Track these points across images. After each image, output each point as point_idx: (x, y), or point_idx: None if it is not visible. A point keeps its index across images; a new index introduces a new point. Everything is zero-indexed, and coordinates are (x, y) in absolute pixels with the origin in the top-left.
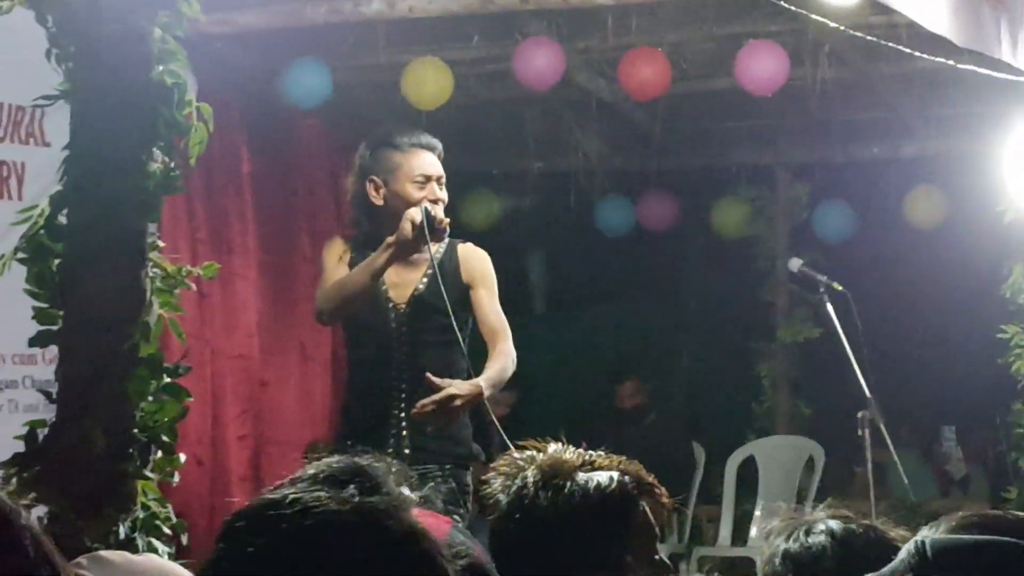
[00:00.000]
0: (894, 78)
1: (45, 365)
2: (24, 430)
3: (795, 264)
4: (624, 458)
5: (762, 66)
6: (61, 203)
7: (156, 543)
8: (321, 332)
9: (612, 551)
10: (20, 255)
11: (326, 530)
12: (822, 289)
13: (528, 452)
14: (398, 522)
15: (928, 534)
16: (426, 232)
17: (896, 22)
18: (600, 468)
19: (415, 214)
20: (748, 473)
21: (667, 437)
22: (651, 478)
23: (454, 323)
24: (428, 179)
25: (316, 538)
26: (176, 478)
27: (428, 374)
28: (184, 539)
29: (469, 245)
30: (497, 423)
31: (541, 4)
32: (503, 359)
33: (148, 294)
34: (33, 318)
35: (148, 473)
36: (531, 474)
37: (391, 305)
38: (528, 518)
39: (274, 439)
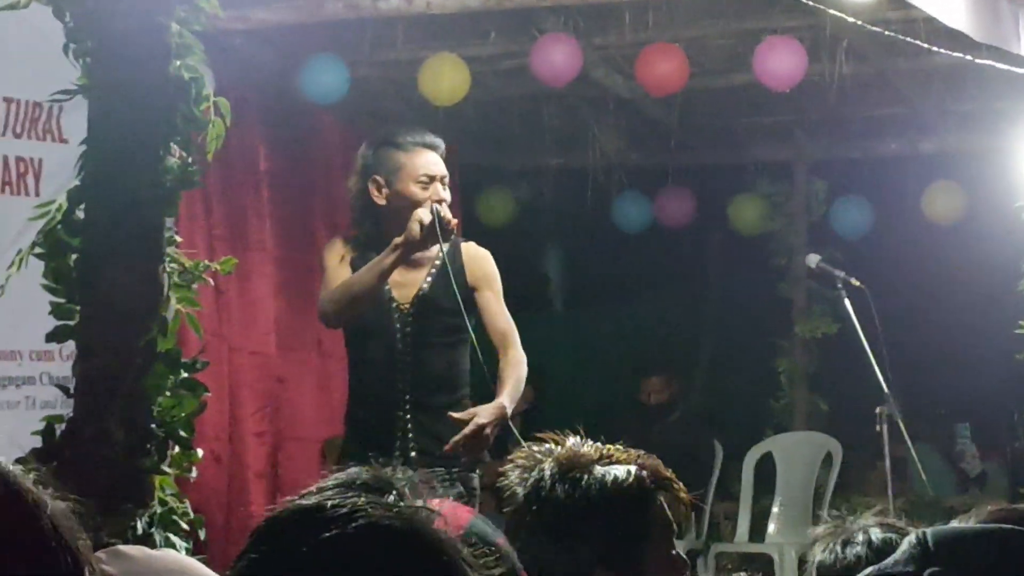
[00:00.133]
0: (912, 74)
1: (62, 361)
2: (42, 426)
3: (813, 260)
4: (642, 452)
5: (780, 62)
6: (78, 198)
7: (173, 538)
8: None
9: (629, 545)
10: (37, 250)
11: (372, 535)
12: (840, 285)
13: (546, 445)
14: (435, 530)
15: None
16: (438, 232)
17: (914, 17)
18: (618, 462)
19: (423, 214)
20: (766, 469)
21: (691, 434)
22: (668, 472)
23: (467, 322)
24: (432, 179)
25: (362, 543)
26: (194, 473)
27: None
28: (202, 534)
29: (472, 244)
30: (511, 424)
31: (558, 0)
32: (517, 369)
33: (165, 289)
34: (50, 313)
35: (165, 468)
36: (548, 467)
37: (395, 306)
38: (545, 511)
39: (292, 435)
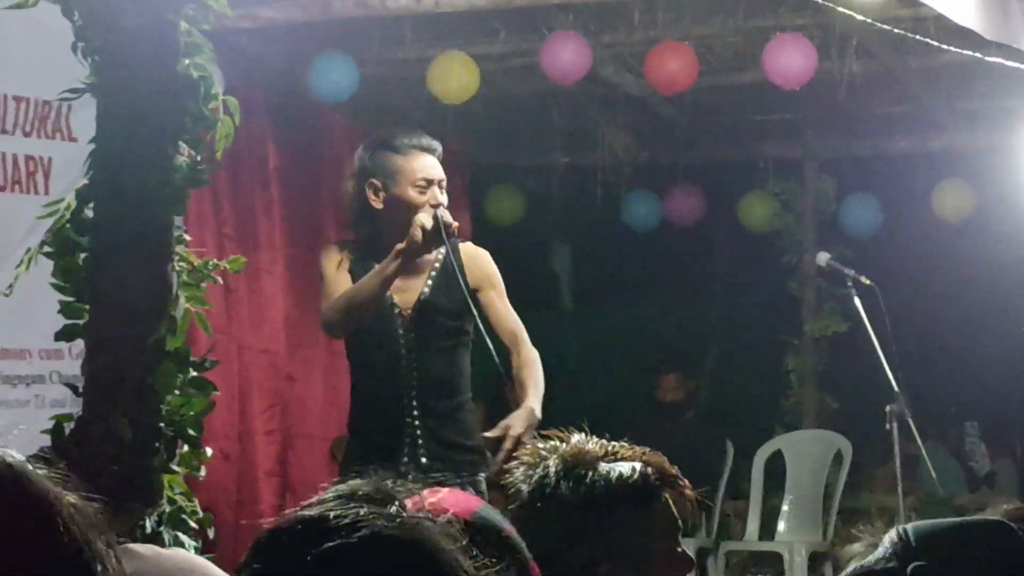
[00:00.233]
0: (922, 71)
1: (72, 360)
2: (51, 424)
3: (823, 258)
4: (647, 449)
5: (789, 60)
6: (87, 197)
7: (182, 537)
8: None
9: (633, 542)
10: (46, 249)
11: (375, 546)
12: (850, 283)
13: (551, 442)
14: (437, 541)
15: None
16: (443, 236)
17: (923, 15)
18: (623, 459)
19: (425, 220)
20: (776, 468)
21: (704, 432)
22: (674, 469)
23: (478, 323)
24: (430, 183)
25: (365, 554)
26: (203, 472)
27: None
28: (210, 533)
29: (469, 244)
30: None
31: None
32: (535, 368)
33: (174, 288)
34: (59, 312)
35: (174, 467)
36: (553, 464)
37: (396, 311)
38: (549, 507)
39: (301, 434)
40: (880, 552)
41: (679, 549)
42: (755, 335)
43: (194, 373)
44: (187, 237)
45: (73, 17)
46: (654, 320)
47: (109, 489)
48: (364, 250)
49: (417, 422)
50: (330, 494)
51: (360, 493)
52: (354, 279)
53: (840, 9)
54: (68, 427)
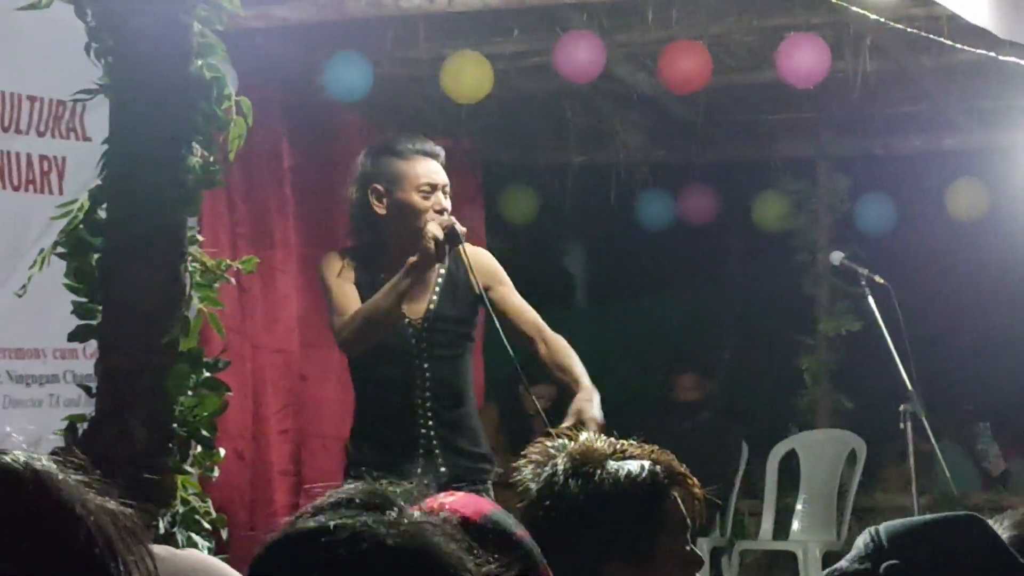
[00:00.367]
0: (935, 70)
1: (86, 360)
2: (65, 425)
3: (836, 257)
4: (656, 447)
5: (803, 59)
6: (100, 197)
7: (196, 538)
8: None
9: (642, 540)
10: (59, 250)
11: (379, 556)
12: (863, 282)
13: (560, 440)
14: (440, 545)
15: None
16: (460, 245)
17: (937, 14)
18: (631, 457)
19: (435, 231)
20: (790, 467)
21: (719, 432)
22: (683, 468)
23: (499, 327)
24: (434, 188)
25: (370, 565)
26: (216, 473)
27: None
28: (224, 534)
29: (469, 245)
30: (544, 416)
31: None
32: (569, 349)
33: (188, 288)
34: (73, 312)
35: (188, 468)
36: (561, 462)
37: (407, 321)
38: (557, 506)
39: (315, 433)
40: (854, 553)
41: (688, 547)
42: (769, 334)
43: (207, 373)
44: (200, 237)
45: (86, 17)
46: (668, 319)
47: (122, 490)
48: (366, 257)
49: (432, 432)
50: (327, 502)
51: (357, 500)
52: (359, 287)
53: (854, 8)
54: (81, 428)
